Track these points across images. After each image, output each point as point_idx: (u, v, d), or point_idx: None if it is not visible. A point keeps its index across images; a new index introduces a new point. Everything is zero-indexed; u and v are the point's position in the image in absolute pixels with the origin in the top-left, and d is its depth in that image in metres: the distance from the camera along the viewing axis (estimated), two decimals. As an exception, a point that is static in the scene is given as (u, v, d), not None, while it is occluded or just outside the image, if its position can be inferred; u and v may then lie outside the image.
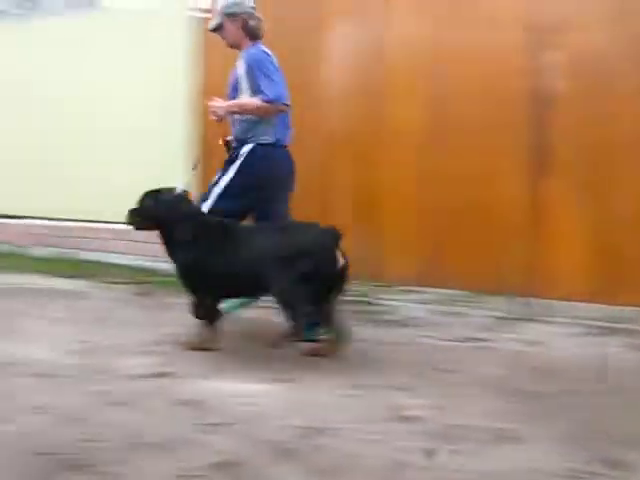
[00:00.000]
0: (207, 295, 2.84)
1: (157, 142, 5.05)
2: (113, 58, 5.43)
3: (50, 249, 5.58)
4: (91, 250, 5.32)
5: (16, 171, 5.94)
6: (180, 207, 2.88)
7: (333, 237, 2.68)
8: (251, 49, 3.18)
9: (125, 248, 5.10)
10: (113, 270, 4.88)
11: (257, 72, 3.05)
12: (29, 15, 6.54)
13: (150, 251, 4.90)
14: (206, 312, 2.87)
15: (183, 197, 2.94)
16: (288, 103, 3.08)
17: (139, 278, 4.62)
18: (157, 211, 2.86)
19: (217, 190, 3.11)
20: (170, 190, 2.93)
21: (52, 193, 5.63)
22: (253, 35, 3.24)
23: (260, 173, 3.08)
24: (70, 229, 5.51)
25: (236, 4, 3.21)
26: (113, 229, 5.17)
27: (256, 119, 3.09)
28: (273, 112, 3.05)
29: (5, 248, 5.88)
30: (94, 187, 5.32)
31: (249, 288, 2.87)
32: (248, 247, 2.72)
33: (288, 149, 3.22)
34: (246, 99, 3.11)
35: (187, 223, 2.82)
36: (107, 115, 5.42)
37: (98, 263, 5.11)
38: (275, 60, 3.14)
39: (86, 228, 5.43)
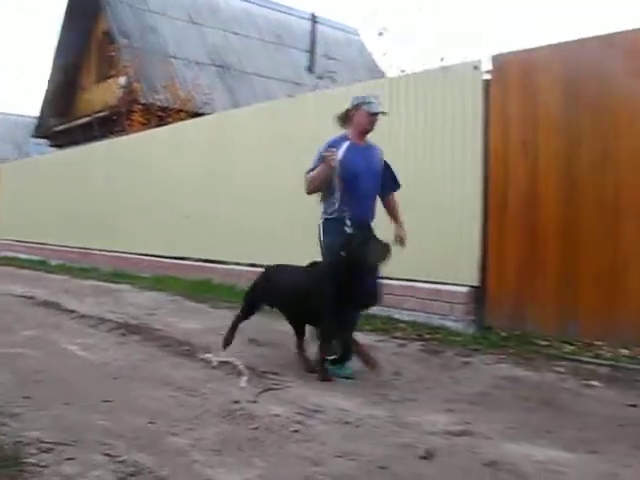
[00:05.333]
0: None
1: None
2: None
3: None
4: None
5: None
6: None
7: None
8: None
9: (412, 305, 5.26)
10: (401, 325, 5.07)
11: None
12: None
13: (437, 308, 5.02)
14: None
15: None
16: None
17: (427, 335, 4.73)
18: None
19: None
20: None
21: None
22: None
23: None
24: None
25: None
26: (400, 285, 5.38)
27: None
28: None
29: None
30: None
31: None
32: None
33: None
34: None
35: None
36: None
37: (387, 318, 5.34)
38: None
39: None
